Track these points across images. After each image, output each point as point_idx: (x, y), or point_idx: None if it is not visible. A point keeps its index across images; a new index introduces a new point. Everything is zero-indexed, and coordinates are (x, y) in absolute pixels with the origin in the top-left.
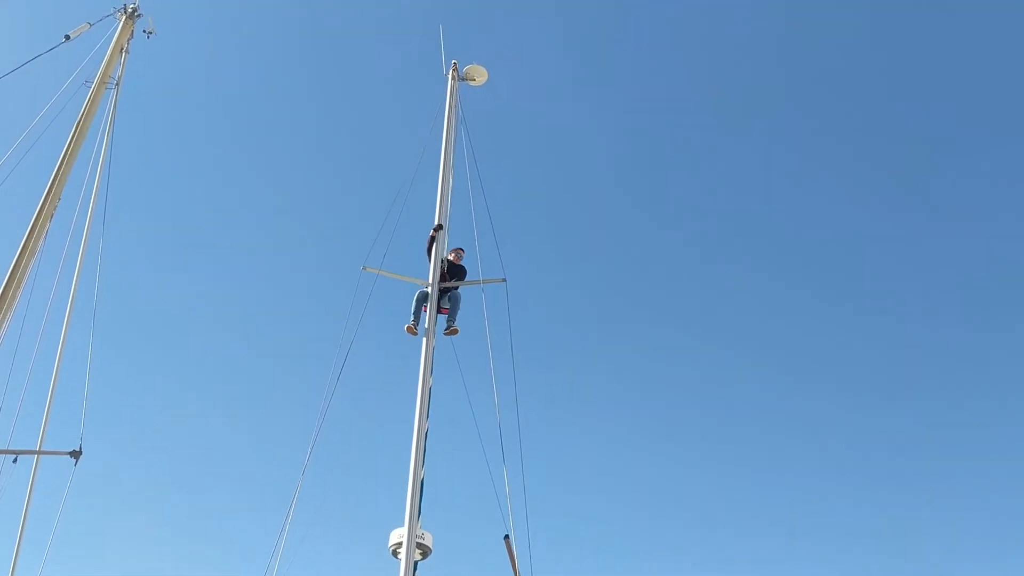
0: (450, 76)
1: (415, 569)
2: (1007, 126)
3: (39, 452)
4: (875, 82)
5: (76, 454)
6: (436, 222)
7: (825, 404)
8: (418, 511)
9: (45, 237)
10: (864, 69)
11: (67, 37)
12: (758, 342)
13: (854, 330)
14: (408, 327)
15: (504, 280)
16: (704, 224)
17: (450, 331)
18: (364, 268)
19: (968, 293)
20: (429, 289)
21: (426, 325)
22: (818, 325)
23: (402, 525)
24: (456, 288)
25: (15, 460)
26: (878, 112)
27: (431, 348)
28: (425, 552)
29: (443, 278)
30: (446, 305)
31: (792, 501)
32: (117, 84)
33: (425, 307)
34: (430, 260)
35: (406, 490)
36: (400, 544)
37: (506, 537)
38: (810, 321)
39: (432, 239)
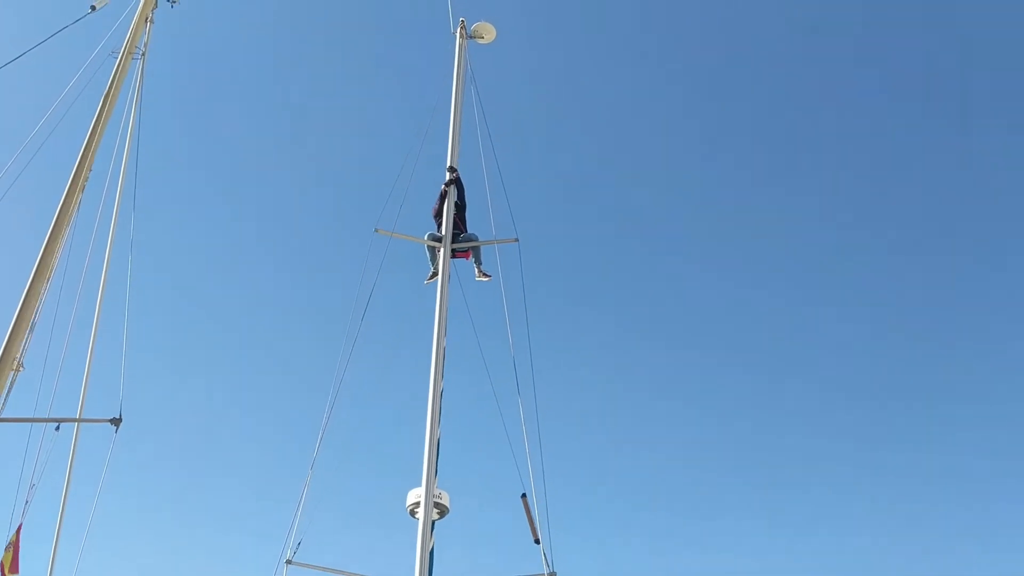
0: (458, 34)
1: (432, 528)
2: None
3: (79, 420)
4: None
5: (116, 421)
6: (448, 164)
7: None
8: (435, 470)
9: (78, 207)
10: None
11: (93, 8)
12: (784, 292)
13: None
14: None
15: (517, 240)
16: (714, 180)
17: (483, 275)
18: (376, 230)
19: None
20: (441, 248)
21: (438, 284)
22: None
23: (419, 485)
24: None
25: (57, 428)
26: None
27: (444, 308)
28: (443, 511)
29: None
30: (463, 251)
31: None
32: (143, 54)
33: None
34: (438, 221)
35: (423, 450)
36: (418, 504)
37: (523, 496)
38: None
39: (443, 195)
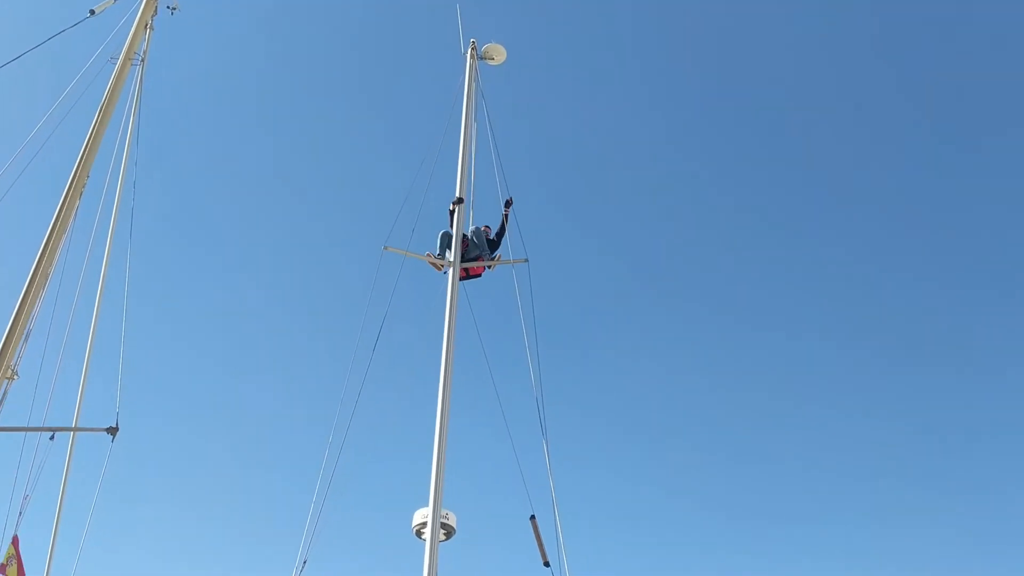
0: (468, 55)
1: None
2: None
3: (75, 429)
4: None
5: (113, 430)
6: (457, 195)
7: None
8: (442, 491)
9: (75, 214)
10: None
11: (92, 12)
12: (788, 318)
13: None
14: (433, 262)
15: (526, 260)
16: (726, 199)
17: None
18: (386, 248)
19: None
20: (451, 269)
21: (446, 308)
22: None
23: (425, 505)
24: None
25: (52, 437)
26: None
27: (452, 332)
28: (449, 532)
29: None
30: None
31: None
32: (142, 60)
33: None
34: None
35: (430, 470)
36: (424, 524)
37: (532, 517)
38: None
39: (452, 212)
